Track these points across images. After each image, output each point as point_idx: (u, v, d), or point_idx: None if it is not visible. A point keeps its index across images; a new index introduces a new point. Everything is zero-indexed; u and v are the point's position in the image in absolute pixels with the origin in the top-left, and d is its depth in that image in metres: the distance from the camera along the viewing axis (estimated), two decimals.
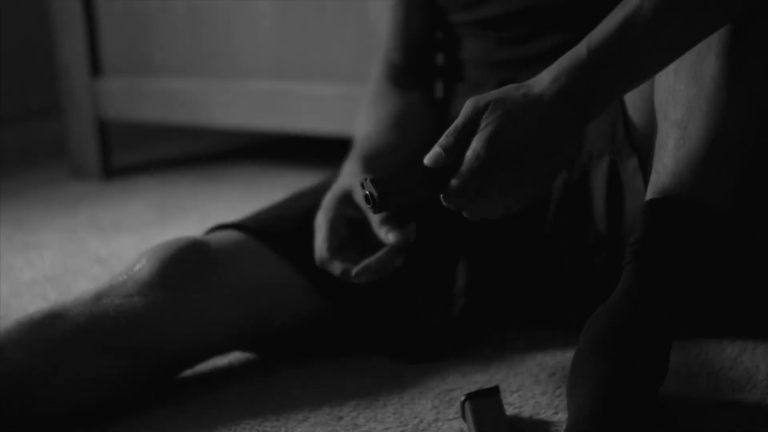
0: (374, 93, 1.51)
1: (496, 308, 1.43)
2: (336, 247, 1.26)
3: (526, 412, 1.19)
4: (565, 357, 1.30)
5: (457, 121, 1.07)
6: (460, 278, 1.39)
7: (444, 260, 1.40)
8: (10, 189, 2.46)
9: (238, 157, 2.70)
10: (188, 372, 1.31)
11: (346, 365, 1.33)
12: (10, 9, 2.95)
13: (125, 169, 2.60)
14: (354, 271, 1.23)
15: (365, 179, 1.08)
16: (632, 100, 1.28)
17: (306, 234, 1.32)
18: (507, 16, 1.41)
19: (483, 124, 1.05)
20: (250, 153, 2.74)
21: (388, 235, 1.24)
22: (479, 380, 1.28)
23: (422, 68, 1.55)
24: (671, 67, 1.12)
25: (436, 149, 1.07)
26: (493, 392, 1.14)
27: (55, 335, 1.17)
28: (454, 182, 1.06)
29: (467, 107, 1.07)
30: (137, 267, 1.25)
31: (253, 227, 1.34)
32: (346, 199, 1.28)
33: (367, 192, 1.07)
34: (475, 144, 1.05)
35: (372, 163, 1.35)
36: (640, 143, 1.28)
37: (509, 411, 1.19)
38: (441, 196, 1.08)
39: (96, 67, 2.47)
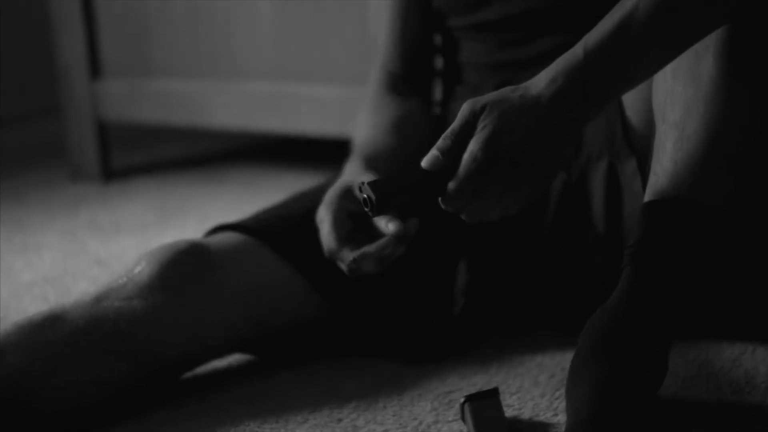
0: (372, 100, 1.51)
1: (496, 309, 1.43)
2: (343, 238, 1.25)
3: (526, 413, 1.19)
4: (564, 359, 1.30)
5: (454, 124, 1.07)
6: (460, 278, 1.39)
7: (444, 260, 1.40)
8: (10, 190, 2.46)
9: (238, 159, 2.70)
10: (187, 374, 1.31)
11: (346, 367, 1.33)
12: (10, 10, 2.95)
13: (125, 171, 2.60)
14: (353, 255, 1.20)
15: (363, 182, 1.08)
16: (631, 101, 1.28)
17: (306, 234, 1.32)
18: (506, 19, 1.41)
19: (480, 126, 1.05)
20: (249, 154, 2.74)
21: (388, 225, 1.24)
22: (478, 382, 1.28)
23: (420, 76, 1.55)
24: (669, 68, 1.12)
25: (433, 152, 1.07)
26: (493, 394, 1.14)
27: (55, 338, 1.17)
28: (451, 185, 1.06)
29: (464, 110, 1.07)
30: (137, 270, 1.25)
31: (253, 227, 1.34)
32: (347, 194, 1.27)
33: (365, 195, 1.07)
34: (472, 146, 1.05)
35: (372, 164, 1.35)
36: (639, 145, 1.28)
37: (508, 413, 1.19)
38: (439, 198, 1.08)
39: (95, 69, 2.47)
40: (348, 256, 1.22)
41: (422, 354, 1.34)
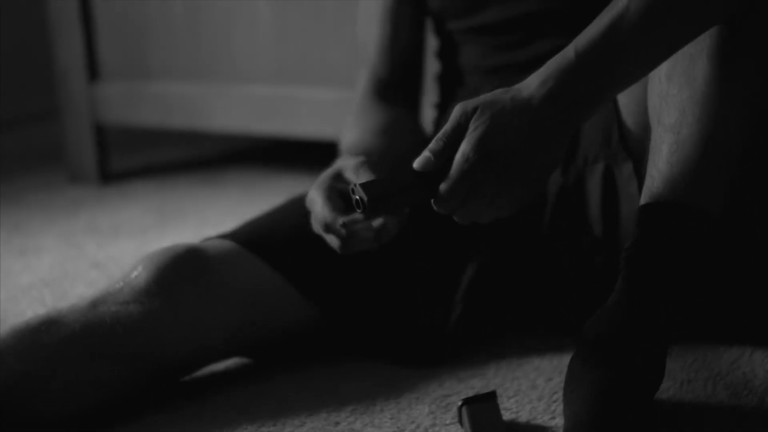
0: (360, 107, 1.51)
1: (495, 312, 1.42)
2: (337, 209, 1.22)
3: (523, 417, 1.19)
4: (562, 362, 1.30)
5: (447, 126, 1.07)
6: (463, 282, 1.38)
7: (446, 262, 1.40)
8: (9, 193, 2.46)
9: (237, 162, 2.70)
10: (186, 377, 1.31)
11: (343, 370, 1.33)
12: (8, 13, 2.95)
13: (123, 174, 2.60)
14: (342, 220, 1.18)
15: (355, 184, 1.08)
16: (626, 104, 1.28)
17: (297, 246, 1.32)
18: (504, 22, 1.41)
19: (472, 127, 1.05)
20: (248, 157, 2.74)
21: None
22: (476, 385, 1.27)
23: (409, 82, 1.55)
24: (664, 71, 1.12)
25: (425, 153, 1.07)
26: (490, 397, 1.14)
27: (51, 342, 1.17)
28: (443, 186, 1.06)
29: (456, 112, 1.07)
30: (134, 274, 1.24)
31: (244, 239, 1.33)
32: (337, 176, 1.26)
33: (357, 197, 1.07)
34: (464, 147, 1.05)
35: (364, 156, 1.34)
36: (635, 148, 1.28)
37: (506, 416, 1.19)
38: (431, 200, 1.08)
39: (94, 72, 2.47)
40: (341, 222, 1.19)
41: (420, 357, 1.34)
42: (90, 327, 1.19)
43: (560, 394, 1.22)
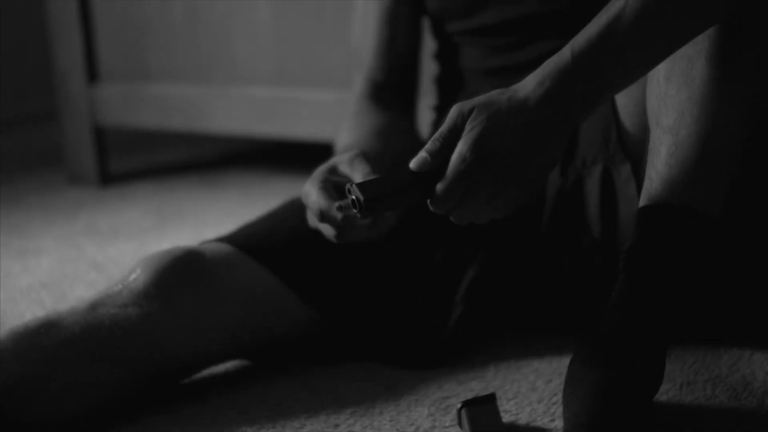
0: (355, 110, 1.51)
1: (495, 313, 1.42)
2: (333, 197, 1.20)
3: (523, 419, 1.19)
4: (561, 364, 1.30)
5: (443, 127, 1.07)
6: (464, 284, 1.38)
7: (446, 264, 1.40)
8: (8, 195, 2.46)
9: (237, 164, 2.70)
10: (185, 379, 1.31)
11: (342, 372, 1.33)
12: (8, 15, 2.95)
13: (122, 176, 2.60)
14: (339, 203, 1.16)
15: (351, 184, 1.08)
16: (625, 106, 1.28)
17: (296, 248, 1.32)
18: (503, 23, 1.42)
19: (468, 128, 1.05)
20: (248, 159, 2.74)
21: None
22: (476, 387, 1.27)
23: (405, 85, 1.55)
24: (662, 73, 1.12)
25: (422, 153, 1.07)
26: (490, 399, 1.14)
27: (51, 344, 1.17)
28: (440, 186, 1.06)
29: (452, 112, 1.07)
30: (132, 276, 1.24)
31: (243, 243, 1.33)
32: (332, 170, 1.25)
33: (354, 197, 1.07)
34: (461, 147, 1.05)
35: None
36: (633, 149, 1.28)
37: (506, 418, 1.19)
38: (428, 200, 1.08)
39: (93, 74, 2.48)
40: (339, 214, 1.17)
41: (419, 359, 1.34)
42: (89, 329, 1.19)
43: (560, 396, 1.22)
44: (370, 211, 1.07)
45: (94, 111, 2.48)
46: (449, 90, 1.54)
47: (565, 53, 1.05)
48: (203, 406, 1.26)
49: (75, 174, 2.54)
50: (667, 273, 1.09)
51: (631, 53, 1.05)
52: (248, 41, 2.27)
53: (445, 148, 1.07)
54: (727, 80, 1.09)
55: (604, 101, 1.07)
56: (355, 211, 1.07)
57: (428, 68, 1.63)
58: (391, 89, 1.53)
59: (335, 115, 2.14)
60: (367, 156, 1.18)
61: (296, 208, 1.38)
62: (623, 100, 1.28)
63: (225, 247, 1.31)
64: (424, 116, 1.67)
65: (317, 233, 1.27)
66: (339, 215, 1.16)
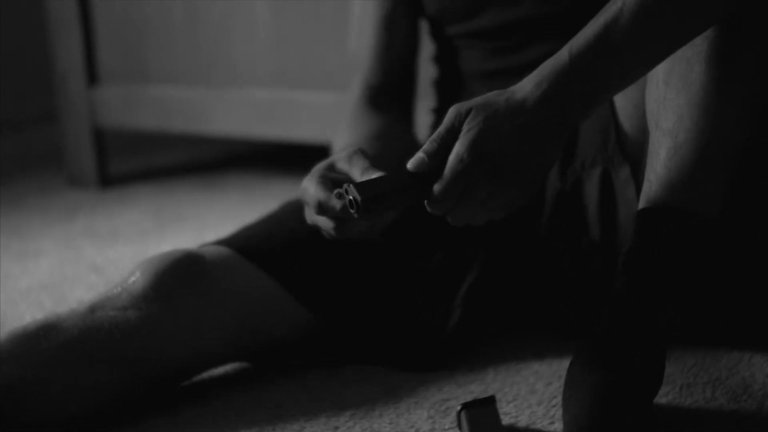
0: (352, 114, 1.50)
1: (495, 315, 1.42)
2: (331, 189, 1.18)
3: (523, 421, 1.19)
4: (561, 367, 1.30)
5: (441, 128, 1.07)
6: (464, 285, 1.38)
7: (445, 267, 1.40)
8: (8, 196, 2.46)
9: (236, 166, 2.70)
10: (184, 382, 1.31)
11: (342, 375, 1.33)
12: (8, 15, 2.95)
13: (122, 178, 2.60)
14: (337, 191, 1.14)
15: (348, 184, 1.07)
16: (624, 108, 1.28)
17: (294, 252, 1.32)
18: (501, 26, 1.41)
19: (465, 128, 1.05)
20: (247, 161, 2.74)
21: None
22: (475, 390, 1.27)
23: (402, 89, 1.55)
24: (661, 75, 1.12)
25: (419, 154, 1.07)
26: (490, 402, 1.14)
27: (50, 346, 1.17)
28: (437, 187, 1.05)
29: (450, 113, 1.07)
30: (131, 279, 1.24)
31: (241, 247, 1.33)
32: (330, 166, 1.25)
33: (351, 197, 1.07)
34: (458, 147, 1.05)
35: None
36: (632, 151, 1.28)
37: (505, 421, 1.18)
38: (425, 201, 1.07)
39: (93, 75, 2.48)
40: (338, 203, 1.15)
41: (419, 362, 1.34)
42: (88, 332, 1.19)
43: (559, 398, 1.22)
44: (367, 212, 1.06)
45: (94, 112, 2.48)
46: (448, 92, 1.53)
47: (562, 55, 1.05)
48: (202, 408, 1.26)
49: (74, 176, 2.54)
50: (666, 274, 1.09)
51: (628, 54, 1.05)
52: (248, 43, 2.27)
53: (442, 148, 1.07)
54: (726, 82, 1.09)
55: (601, 103, 1.07)
56: (352, 211, 1.07)
57: (427, 71, 1.63)
58: (389, 93, 1.53)
59: (335, 117, 2.13)
60: (365, 153, 1.17)
61: (295, 209, 1.38)
62: (622, 102, 1.28)
63: (224, 250, 1.31)
64: (423, 119, 1.67)
65: (316, 235, 1.27)
66: (338, 204, 1.14)
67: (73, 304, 1.59)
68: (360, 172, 1.15)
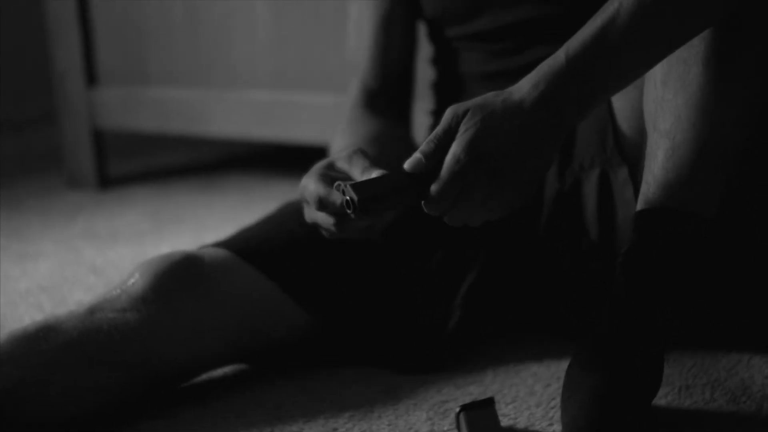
0: (350, 117, 1.50)
1: (494, 316, 1.42)
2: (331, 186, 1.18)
3: (521, 423, 1.19)
4: (560, 368, 1.30)
5: (438, 128, 1.07)
6: (461, 291, 1.38)
7: (444, 268, 1.40)
8: (7, 198, 2.46)
9: (235, 167, 2.70)
10: (184, 384, 1.31)
11: (340, 376, 1.33)
12: (7, 16, 2.95)
13: (121, 179, 2.60)
14: (338, 183, 1.13)
15: (345, 184, 1.07)
16: (622, 109, 1.28)
17: (293, 253, 1.32)
18: (500, 28, 1.41)
19: (462, 129, 1.05)
20: (246, 163, 2.74)
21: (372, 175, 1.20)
22: (474, 391, 1.27)
23: (400, 92, 1.55)
24: (659, 76, 1.12)
25: (416, 155, 1.07)
26: (488, 403, 1.14)
27: (49, 348, 1.17)
28: (434, 187, 1.06)
29: (447, 114, 1.07)
30: (131, 281, 1.24)
31: (240, 248, 1.33)
32: (330, 165, 1.25)
33: (347, 197, 1.07)
34: (455, 148, 1.05)
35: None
36: (630, 153, 1.28)
37: (504, 422, 1.19)
38: (422, 202, 1.07)
39: (92, 76, 2.48)
40: (338, 197, 1.14)
41: (418, 364, 1.34)
42: (87, 334, 1.19)
43: (558, 400, 1.22)
44: (364, 212, 1.06)
45: (93, 114, 2.48)
46: (447, 94, 1.53)
47: (559, 56, 1.05)
48: (201, 410, 1.26)
49: (74, 177, 2.54)
50: (664, 276, 1.09)
51: (625, 56, 1.05)
52: (247, 44, 2.27)
53: (439, 149, 1.07)
54: (723, 83, 1.09)
55: (598, 104, 1.07)
56: (349, 211, 1.07)
57: (425, 72, 1.63)
58: (386, 96, 1.53)
59: (334, 118, 2.13)
60: (365, 152, 1.17)
61: (294, 211, 1.38)
62: (620, 103, 1.28)
63: (223, 252, 1.31)
64: (421, 120, 1.67)
65: (315, 236, 1.27)
66: (339, 199, 1.13)
67: (73, 305, 1.60)
68: (360, 172, 1.14)
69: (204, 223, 2.14)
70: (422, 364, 1.34)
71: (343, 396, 1.28)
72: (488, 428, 1.13)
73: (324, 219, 1.17)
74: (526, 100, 1.05)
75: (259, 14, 2.24)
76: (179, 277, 1.25)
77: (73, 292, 1.76)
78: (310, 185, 1.17)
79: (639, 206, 1.12)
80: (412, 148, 1.47)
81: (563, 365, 1.28)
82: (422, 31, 1.58)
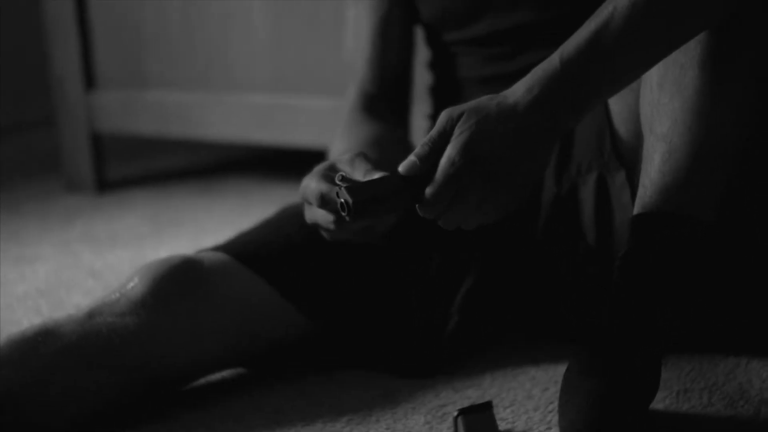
0: (348, 121, 1.50)
1: (492, 320, 1.42)
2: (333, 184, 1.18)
3: (519, 427, 1.19)
4: (557, 372, 1.30)
5: (432, 132, 1.07)
6: (459, 295, 1.38)
7: (442, 272, 1.40)
8: (5, 201, 2.45)
9: (234, 171, 2.70)
10: (182, 387, 1.31)
11: (339, 380, 1.33)
12: (5, 21, 2.96)
13: (120, 182, 2.60)
14: (340, 174, 1.14)
15: (340, 187, 1.08)
16: (619, 113, 1.28)
17: (292, 258, 1.32)
18: (497, 33, 1.42)
19: (457, 132, 1.05)
20: (245, 166, 2.74)
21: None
22: (472, 395, 1.27)
23: (398, 96, 1.55)
24: (655, 80, 1.12)
25: (411, 158, 1.07)
26: (486, 407, 1.14)
27: (48, 351, 1.17)
28: (429, 190, 1.06)
29: (442, 117, 1.07)
30: (130, 285, 1.24)
31: (238, 252, 1.33)
32: (332, 167, 1.25)
33: (342, 200, 1.07)
34: (450, 151, 1.05)
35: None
36: (627, 156, 1.29)
37: (502, 426, 1.19)
38: (417, 205, 1.08)
39: (90, 80, 2.47)
40: (343, 194, 1.11)
41: (416, 367, 1.34)
42: (86, 337, 1.19)
43: (556, 404, 1.22)
44: (359, 214, 1.07)
45: (92, 117, 2.47)
46: (444, 98, 1.53)
47: (553, 60, 1.05)
48: (200, 413, 1.26)
49: (72, 180, 2.54)
50: (661, 279, 1.09)
51: (619, 59, 1.05)
52: (245, 48, 2.27)
53: (434, 152, 1.07)
54: (719, 85, 1.09)
55: (592, 107, 1.07)
56: (344, 213, 1.07)
57: (422, 76, 1.63)
58: (385, 100, 1.53)
59: (333, 122, 2.13)
60: (367, 156, 1.17)
61: (292, 215, 1.38)
62: (617, 106, 1.28)
63: (221, 256, 1.31)
64: (419, 125, 1.67)
65: (313, 240, 1.27)
66: (340, 196, 1.14)
67: (71, 309, 1.59)
68: (362, 175, 1.15)
69: (203, 226, 2.14)
70: (420, 367, 1.34)
71: (341, 400, 1.28)
72: None
73: (324, 217, 1.17)
74: (521, 104, 1.05)
75: (257, 18, 2.24)
76: (178, 281, 1.25)
77: (72, 295, 1.76)
78: (311, 184, 1.18)
79: (636, 210, 1.12)
80: (411, 151, 1.47)
81: (561, 369, 1.28)
82: (419, 35, 1.58)
